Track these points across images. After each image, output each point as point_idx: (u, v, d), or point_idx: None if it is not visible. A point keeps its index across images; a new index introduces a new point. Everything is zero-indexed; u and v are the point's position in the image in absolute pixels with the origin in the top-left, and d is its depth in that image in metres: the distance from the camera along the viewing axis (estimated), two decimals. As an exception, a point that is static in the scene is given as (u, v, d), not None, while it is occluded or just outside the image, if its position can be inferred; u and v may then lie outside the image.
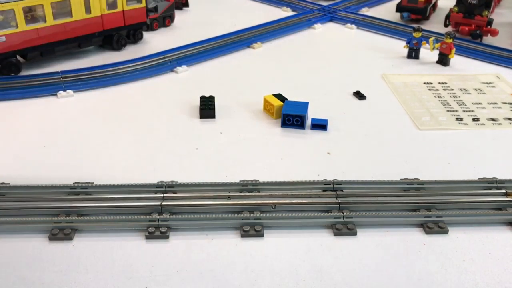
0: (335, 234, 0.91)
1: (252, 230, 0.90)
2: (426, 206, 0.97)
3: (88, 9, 1.61)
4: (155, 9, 1.95)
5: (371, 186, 1.02)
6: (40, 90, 1.42)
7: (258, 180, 1.04)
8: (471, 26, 1.92)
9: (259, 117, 1.33)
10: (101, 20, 1.66)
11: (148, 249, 0.87)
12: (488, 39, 1.92)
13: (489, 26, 1.90)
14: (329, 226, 0.92)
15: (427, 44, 1.72)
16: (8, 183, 1.01)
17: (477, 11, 1.91)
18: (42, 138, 1.20)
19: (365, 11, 2.28)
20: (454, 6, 1.97)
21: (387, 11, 2.26)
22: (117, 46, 1.74)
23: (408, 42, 1.74)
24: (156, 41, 1.85)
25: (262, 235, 0.90)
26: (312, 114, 1.32)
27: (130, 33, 1.78)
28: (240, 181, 1.04)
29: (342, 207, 0.95)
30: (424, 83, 1.56)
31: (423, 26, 1.81)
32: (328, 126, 1.27)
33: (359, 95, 1.45)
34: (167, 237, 0.89)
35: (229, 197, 0.98)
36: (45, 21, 1.52)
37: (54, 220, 0.90)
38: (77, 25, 1.60)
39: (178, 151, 1.16)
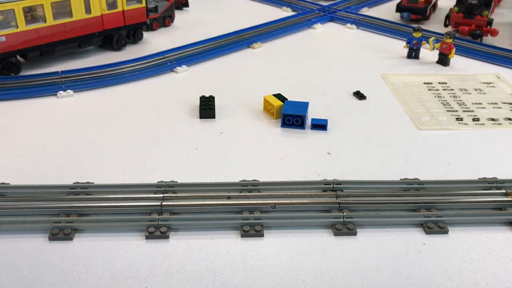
0: (335, 234, 0.91)
1: (252, 230, 0.90)
2: (426, 206, 0.97)
3: (88, 9, 1.61)
4: (155, 9, 1.95)
5: (371, 186, 1.02)
6: (40, 90, 1.42)
7: (258, 180, 1.04)
8: (471, 26, 1.92)
9: (259, 117, 1.33)
10: (101, 20, 1.66)
11: (148, 249, 0.87)
12: (488, 39, 1.92)
13: (489, 26, 1.90)
14: (329, 226, 0.92)
15: (427, 44, 1.72)
16: (8, 183, 1.01)
17: (477, 11, 1.91)
18: (42, 138, 1.20)
19: (365, 11, 2.28)
20: (454, 6, 1.97)
21: (387, 11, 2.26)
22: (117, 46, 1.74)
23: (408, 42, 1.74)
24: (156, 41, 1.85)
25: (262, 235, 0.90)
26: (312, 114, 1.32)
27: (130, 33, 1.78)
28: (240, 181, 1.04)
29: (342, 207, 0.95)
30: (424, 83, 1.56)
31: (423, 26, 1.82)
32: (328, 126, 1.28)
33: (359, 95, 1.45)
34: (167, 237, 0.89)
35: (229, 197, 0.98)
36: (45, 21, 1.53)
37: (54, 220, 0.90)
38: (77, 25, 1.60)
39: (178, 151, 1.16)
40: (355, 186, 1.02)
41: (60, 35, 1.58)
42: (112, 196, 0.97)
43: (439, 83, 1.56)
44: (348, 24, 2.07)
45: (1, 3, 1.41)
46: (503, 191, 1.01)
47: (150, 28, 1.94)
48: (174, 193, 0.99)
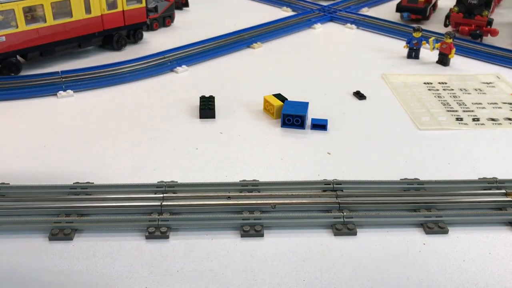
0: (335, 234, 0.91)
1: (252, 230, 0.90)
2: (426, 206, 0.97)
3: (88, 9, 1.61)
4: (155, 9, 1.95)
5: (371, 186, 1.02)
6: (40, 90, 1.42)
7: (258, 180, 1.04)
8: (471, 26, 1.92)
9: (259, 117, 1.33)
10: (101, 20, 1.66)
11: (148, 249, 0.87)
12: (488, 39, 1.92)
13: (489, 26, 1.90)
14: (329, 226, 0.92)
15: (427, 44, 1.72)
16: (8, 183, 1.01)
17: (477, 11, 1.91)
18: (42, 138, 1.20)
19: (365, 11, 2.28)
20: (454, 6, 1.97)
21: (387, 11, 2.26)
22: (117, 46, 1.74)
23: (408, 42, 1.74)
24: (156, 41, 1.85)
25: (262, 235, 0.90)
26: (312, 114, 1.32)
27: (130, 33, 1.78)
28: (240, 181, 1.04)
29: (342, 207, 0.95)
30: (424, 83, 1.56)
31: (423, 26, 1.81)
32: (328, 126, 1.28)
33: (359, 95, 1.45)
34: (167, 237, 0.89)
35: (229, 197, 0.98)
36: (45, 21, 1.53)
37: (54, 220, 0.90)
38: (77, 25, 1.60)
39: (178, 151, 1.16)
40: (355, 186, 1.02)
41: (60, 35, 1.58)
42: (112, 196, 0.97)
43: (439, 83, 1.56)
44: (348, 24, 2.07)
45: (1, 3, 1.41)
46: (503, 191, 1.01)
47: (150, 28, 1.94)
48: (174, 193, 0.99)
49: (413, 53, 1.74)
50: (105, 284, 0.79)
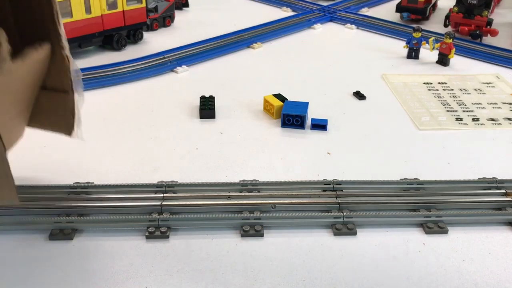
0: (335, 234, 0.91)
1: (252, 230, 0.90)
2: (426, 206, 0.97)
3: (88, 9, 1.61)
4: (155, 9, 1.95)
5: (371, 186, 1.03)
6: (40, 90, 1.42)
7: (258, 180, 1.04)
8: (471, 26, 1.92)
9: (259, 117, 1.33)
10: (101, 20, 1.66)
11: (148, 249, 0.87)
12: (488, 39, 1.92)
13: (488, 26, 1.90)
14: (329, 226, 0.92)
15: (427, 44, 1.72)
16: (8, 183, 1.01)
17: (477, 11, 1.91)
18: (42, 138, 1.20)
19: (365, 11, 2.28)
20: (454, 6, 1.97)
21: (387, 11, 2.26)
22: (117, 46, 1.74)
23: (408, 42, 1.74)
24: (156, 41, 1.85)
25: (262, 235, 0.90)
26: (312, 114, 1.32)
27: (130, 33, 1.78)
28: (240, 181, 1.04)
29: (342, 207, 0.95)
30: (424, 83, 1.56)
31: (423, 26, 1.82)
32: (328, 126, 1.28)
33: (359, 95, 1.45)
34: (167, 237, 0.89)
35: (229, 197, 0.98)
36: (45, 21, 1.52)
37: (54, 220, 0.90)
38: (77, 25, 1.60)
39: (178, 151, 1.16)
40: (355, 186, 1.02)
41: (60, 35, 1.58)
42: (112, 196, 0.97)
43: (439, 83, 1.57)
44: (348, 24, 2.07)
45: (1, 3, 1.41)
46: (503, 191, 1.01)
47: (150, 28, 1.94)
48: (174, 193, 0.99)
49: (413, 53, 1.75)
50: (105, 284, 0.79)
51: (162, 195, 0.97)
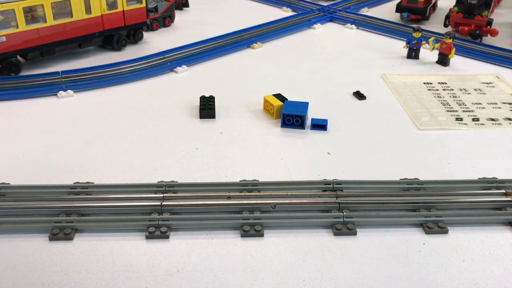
0: (335, 234, 0.91)
1: (252, 230, 0.90)
2: (426, 206, 0.97)
3: (88, 9, 1.61)
4: (155, 9, 1.95)
5: (371, 186, 1.03)
6: (40, 90, 1.42)
7: (258, 180, 1.04)
8: (471, 26, 1.92)
9: (259, 117, 1.33)
10: (101, 20, 1.66)
11: (148, 249, 0.87)
12: (488, 39, 1.92)
13: (488, 26, 1.90)
14: (329, 226, 0.92)
15: (427, 44, 1.72)
16: (8, 183, 1.01)
17: (477, 11, 1.91)
18: (42, 138, 1.20)
19: (365, 11, 2.28)
20: (454, 6, 1.97)
21: (387, 11, 2.26)
22: (117, 46, 1.74)
23: (408, 42, 1.74)
24: (156, 41, 1.85)
25: (262, 235, 0.90)
26: (312, 114, 1.32)
27: (130, 33, 1.78)
28: (240, 181, 1.04)
29: (342, 207, 0.95)
30: (424, 83, 1.56)
31: (423, 26, 1.82)
32: (328, 126, 1.28)
33: (359, 95, 1.45)
34: (167, 237, 0.89)
35: (229, 197, 0.98)
36: (45, 21, 1.53)
37: (54, 220, 0.90)
38: (77, 25, 1.60)
39: (178, 151, 1.16)
40: (355, 186, 1.02)
41: (60, 35, 1.58)
42: (112, 196, 0.97)
43: (439, 83, 1.57)
44: (348, 24, 2.07)
45: (1, 3, 1.41)
46: (503, 191, 1.01)
47: (150, 28, 1.94)
48: (174, 193, 0.99)
49: (413, 53, 1.75)
50: (105, 284, 0.79)
51: (162, 195, 0.97)
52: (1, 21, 1.45)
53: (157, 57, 1.64)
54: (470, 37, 1.91)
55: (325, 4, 2.30)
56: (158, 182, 1.02)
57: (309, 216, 0.94)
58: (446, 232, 0.92)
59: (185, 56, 1.68)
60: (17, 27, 1.47)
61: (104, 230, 0.90)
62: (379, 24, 2.06)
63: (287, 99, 1.33)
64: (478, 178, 1.06)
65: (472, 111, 1.39)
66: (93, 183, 1.02)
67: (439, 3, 2.35)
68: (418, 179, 1.05)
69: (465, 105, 1.42)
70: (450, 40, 1.65)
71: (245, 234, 0.90)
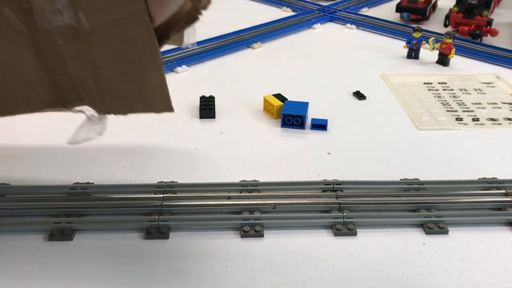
0: (335, 234, 0.91)
1: (252, 230, 0.90)
2: (426, 206, 0.97)
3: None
4: (155, 9, 1.95)
5: (371, 186, 1.02)
6: (40, 90, 1.42)
7: (258, 180, 1.04)
8: (471, 26, 1.92)
9: (259, 117, 1.33)
10: (101, 20, 1.66)
11: (148, 249, 0.87)
12: (488, 39, 1.92)
13: (489, 26, 1.90)
14: (329, 227, 0.92)
15: (427, 44, 1.72)
16: (8, 183, 1.01)
17: (477, 11, 1.91)
18: (42, 138, 1.20)
19: (365, 11, 2.28)
20: (454, 6, 1.97)
21: (387, 11, 2.26)
22: (117, 46, 1.73)
23: (408, 42, 1.74)
24: (156, 41, 1.85)
25: (262, 235, 0.90)
26: (312, 114, 1.32)
27: (130, 33, 1.78)
28: (240, 181, 1.04)
29: (342, 207, 0.95)
30: (424, 83, 1.56)
31: (423, 26, 1.81)
32: (328, 126, 1.28)
33: (359, 95, 1.45)
34: (167, 237, 0.89)
35: (229, 197, 0.98)
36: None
37: (54, 220, 0.90)
38: (77, 25, 1.60)
39: (178, 151, 1.16)
40: (355, 186, 1.02)
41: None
42: (112, 196, 0.97)
43: (439, 83, 1.56)
44: (348, 24, 2.07)
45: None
46: (503, 191, 1.01)
47: (150, 28, 1.94)
48: (174, 193, 0.99)
49: (413, 53, 1.74)
50: (105, 284, 0.79)
51: (162, 195, 0.97)
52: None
53: (157, 57, 1.64)
54: (470, 37, 1.91)
55: (325, 4, 2.30)
56: (158, 182, 1.02)
57: (309, 217, 0.94)
58: (446, 232, 0.92)
59: (185, 56, 1.68)
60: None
61: (104, 230, 0.90)
62: (379, 24, 2.06)
63: (287, 99, 1.33)
64: (478, 178, 1.06)
65: (472, 111, 1.39)
66: (93, 183, 1.02)
67: (439, 3, 2.35)
68: (418, 179, 1.05)
69: (465, 105, 1.42)
70: (450, 40, 1.65)
71: (245, 235, 0.90)
